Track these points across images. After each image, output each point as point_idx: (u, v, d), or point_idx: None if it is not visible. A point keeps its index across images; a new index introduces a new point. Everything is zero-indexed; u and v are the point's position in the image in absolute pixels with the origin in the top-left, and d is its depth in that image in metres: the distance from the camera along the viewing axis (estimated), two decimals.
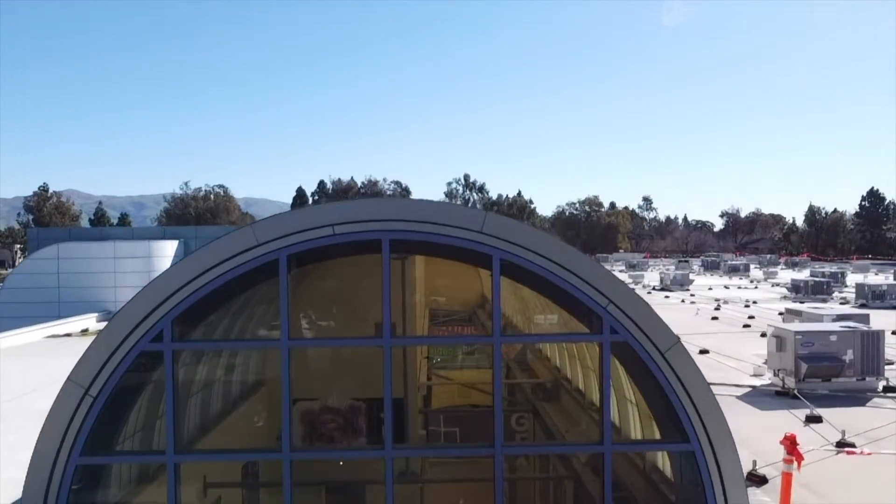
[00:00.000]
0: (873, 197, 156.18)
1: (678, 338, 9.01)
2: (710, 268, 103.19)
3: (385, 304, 8.87)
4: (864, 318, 25.63)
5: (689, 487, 9.54)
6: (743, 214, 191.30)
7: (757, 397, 21.01)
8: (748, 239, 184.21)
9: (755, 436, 16.23)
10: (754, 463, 14.15)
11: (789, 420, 17.60)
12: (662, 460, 11.29)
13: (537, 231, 8.87)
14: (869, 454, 14.22)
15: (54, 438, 8.72)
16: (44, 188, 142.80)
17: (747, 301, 53.46)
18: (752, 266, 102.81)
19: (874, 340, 20.94)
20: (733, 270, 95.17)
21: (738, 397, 21.10)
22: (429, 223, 8.81)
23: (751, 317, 41.58)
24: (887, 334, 22.78)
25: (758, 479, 13.47)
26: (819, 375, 20.62)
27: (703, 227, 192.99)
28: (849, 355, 20.68)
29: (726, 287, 71.56)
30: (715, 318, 42.19)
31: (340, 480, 14.94)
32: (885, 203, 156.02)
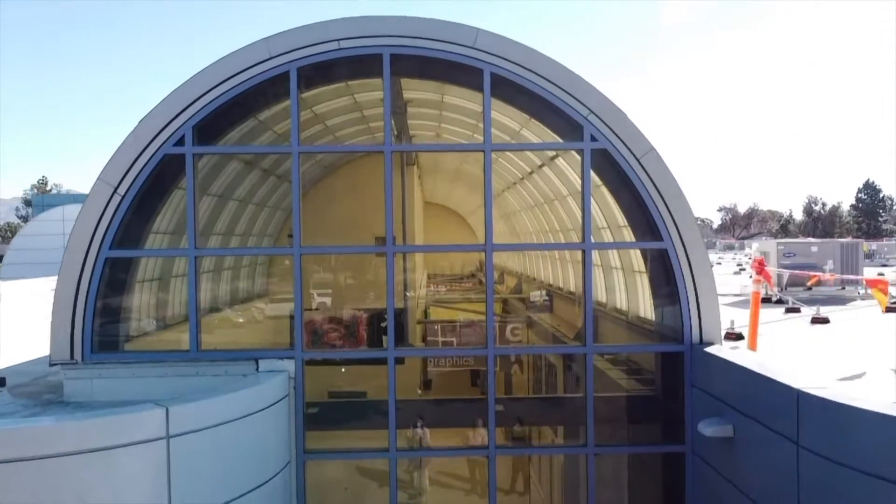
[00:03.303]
0: (869, 189, 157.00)
1: (652, 146, 9.88)
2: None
3: (387, 163, 9.67)
4: None
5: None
6: (741, 210, 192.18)
7: (742, 304, 21.80)
8: (746, 234, 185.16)
9: (737, 325, 17.08)
10: (732, 322, 15.02)
11: (772, 313, 18.38)
12: (645, 309, 12.16)
13: (526, 46, 9.72)
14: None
15: (85, 233, 9.59)
16: (43, 181, 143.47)
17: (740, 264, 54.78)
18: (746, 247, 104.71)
19: (853, 251, 21.86)
20: (728, 248, 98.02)
21: (725, 304, 21.90)
22: (425, 38, 9.71)
23: (742, 269, 42.70)
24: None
25: (734, 336, 14.31)
26: (800, 284, 21.48)
27: (702, 223, 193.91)
28: (829, 265, 21.54)
29: (719, 262, 72.84)
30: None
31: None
32: (881, 195, 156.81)
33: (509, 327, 20.33)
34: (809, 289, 21.69)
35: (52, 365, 9.66)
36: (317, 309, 15.61)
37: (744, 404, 8.31)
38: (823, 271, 21.51)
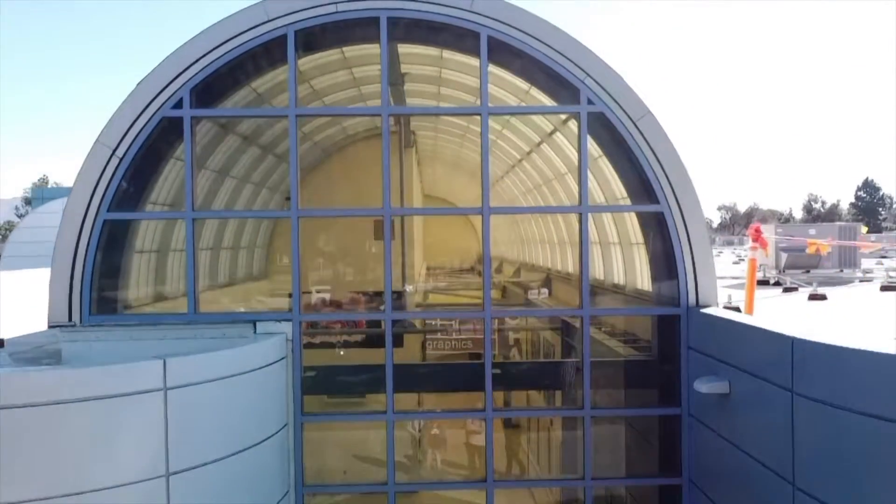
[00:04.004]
0: (869, 187, 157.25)
1: (649, 109, 9.91)
2: None
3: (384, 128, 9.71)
4: None
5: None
6: (741, 209, 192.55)
7: (740, 286, 21.83)
8: (746, 233, 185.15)
9: (734, 301, 17.14)
10: (729, 297, 15.09)
11: (769, 293, 18.44)
12: (642, 280, 12.21)
13: (522, 9, 9.76)
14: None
15: (84, 195, 9.62)
16: (43, 180, 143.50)
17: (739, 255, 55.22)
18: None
19: (850, 233, 21.92)
20: (727, 243, 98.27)
21: (723, 287, 21.98)
22: (423, 1, 9.74)
23: (741, 260, 42.91)
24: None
25: (732, 310, 14.35)
26: (799, 266, 21.52)
27: None
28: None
29: (718, 254, 73.47)
30: None
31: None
32: (881, 193, 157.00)
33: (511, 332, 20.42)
34: (808, 272, 21.74)
35: (50, 327, 9.69)
36: (314, 304, 15.69)
37: (739, 358, 8.34)
38: (821, 254, 21.62)
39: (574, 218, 15.46)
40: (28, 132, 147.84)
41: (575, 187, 13.96)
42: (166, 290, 12.28)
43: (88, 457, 7.24)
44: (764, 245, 11.74)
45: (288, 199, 9.89)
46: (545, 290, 20.58)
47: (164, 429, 7.68)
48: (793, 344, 7.19)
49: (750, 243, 13.82)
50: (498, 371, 10.25)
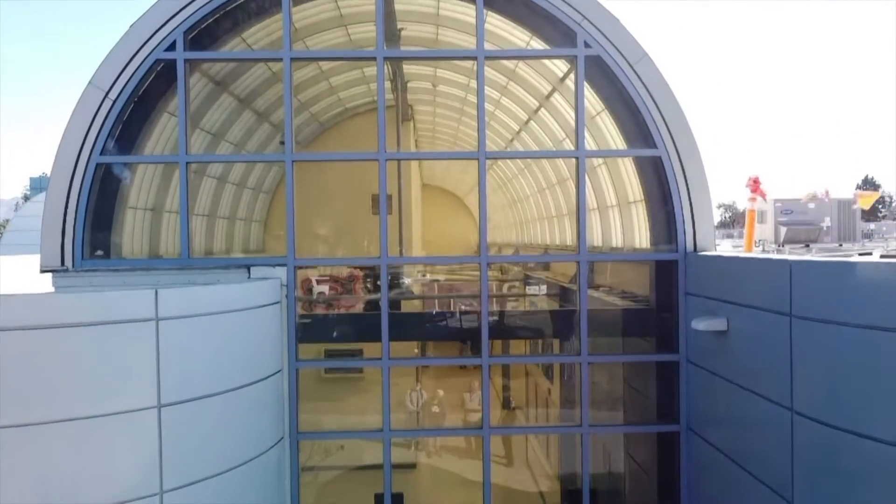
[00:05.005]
0: (868, 185, 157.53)
1: (646, 52, 9.83)
2: None
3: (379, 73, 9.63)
4: None
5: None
6: (740, 208, 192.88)
7: None
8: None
9: None
10: None
11: None
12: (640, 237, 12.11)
13: None
14: None
15: (76, 138, 9.54)
16: (45, 178, 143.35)
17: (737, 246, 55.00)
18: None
19: (850, 208, 21.79)
20: (727, 236, 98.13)
21: None
22: None
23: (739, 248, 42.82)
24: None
25: None
26: (798, 240, 21.36)
27: None
28: (826, 222, 21.52)
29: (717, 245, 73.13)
30: None
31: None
32: (880, 191, 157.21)
33: (506, 286, 20.44)
34: (807, 246, 21.60)
35: (42, 272, 9.61)
36: (316, 298, 15.58)
37: (738, 294, 8.26)
38: (821, 228, 21.55)
39: (572, 186, 15.44)
40: (28, 132, 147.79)
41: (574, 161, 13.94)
42: (160, 249, 12.18)
43: (79, 384, 7.15)
44: (763, 195, 11.64)
45: (282, 142, 9.81)
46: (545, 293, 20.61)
47: (155, 360, 7.59)
48: (791, 268, 7.11)
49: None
50: (495, 318, 10.16)
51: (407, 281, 18.34)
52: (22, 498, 6.92)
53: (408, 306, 15.41)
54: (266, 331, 9.17)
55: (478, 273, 10.00)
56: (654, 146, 9.87)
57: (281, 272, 9.70)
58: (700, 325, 8.63)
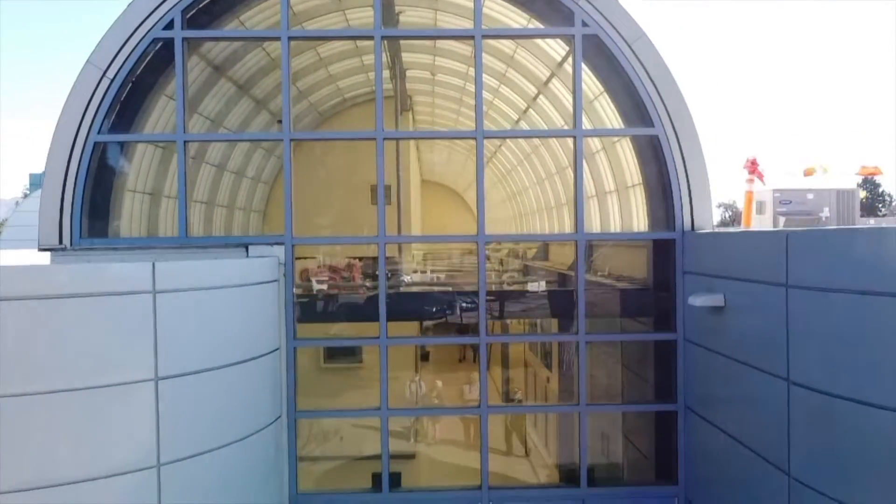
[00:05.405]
0: (868, 184, 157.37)
1: (644, 31, 9.83)
2: None
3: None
4: None
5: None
6: (740, 207, 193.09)
7: None
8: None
9: None
10: None
11: None
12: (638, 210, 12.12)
13: None
14: None
15: (74, 116, 9.54)
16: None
17: None
18: None
19: (849, 198, 21.83)
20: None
21: None
22: None
23: None
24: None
25: None
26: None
27: None
28: (825, 212, 21.53)
29: None
30: None
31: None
32: (881, 190, 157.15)
33: (505, 275, 20.48)
34: None
35: (40, 250, 9.62)
36: (316, 294, 15.60)
37: (735, 268, 8.27)
38: (820, 218, 21.56)
39: (571, 174, 15.47)
40: (27, 133, 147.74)
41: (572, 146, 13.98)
42: (158, 230, 12.18)
43: (77, 356, 7.15)
44: (761, 177, 11.65)
45: (279, 121, 9.81)
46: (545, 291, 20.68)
47: (153, 333, 7.59)
48: (787, 238, 7.12)
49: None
50: (493, 298, 10.17)
51: (407, 279, 18.40)
52: (20, 468, 6.93)
53: None
54: (264, 308, 9.18)
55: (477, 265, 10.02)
56: (652, 125, 9.88)
57: (279, 251, 9.70)
58: (697, 301, 8.63)
